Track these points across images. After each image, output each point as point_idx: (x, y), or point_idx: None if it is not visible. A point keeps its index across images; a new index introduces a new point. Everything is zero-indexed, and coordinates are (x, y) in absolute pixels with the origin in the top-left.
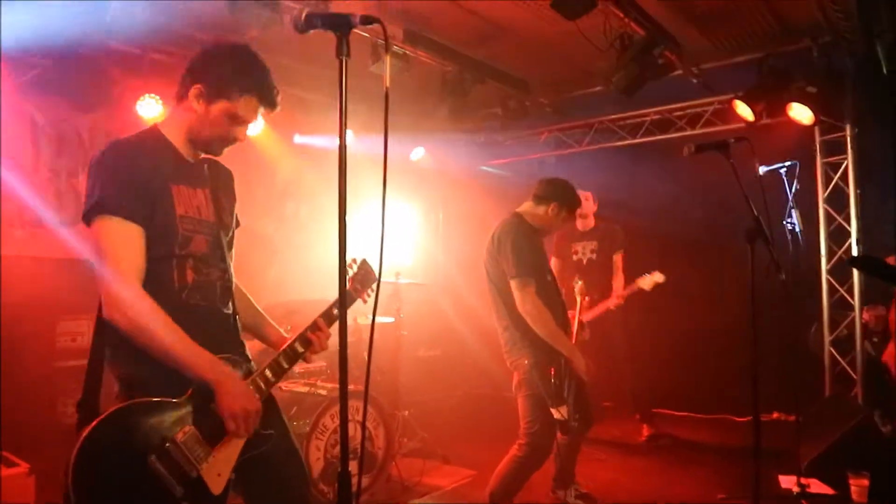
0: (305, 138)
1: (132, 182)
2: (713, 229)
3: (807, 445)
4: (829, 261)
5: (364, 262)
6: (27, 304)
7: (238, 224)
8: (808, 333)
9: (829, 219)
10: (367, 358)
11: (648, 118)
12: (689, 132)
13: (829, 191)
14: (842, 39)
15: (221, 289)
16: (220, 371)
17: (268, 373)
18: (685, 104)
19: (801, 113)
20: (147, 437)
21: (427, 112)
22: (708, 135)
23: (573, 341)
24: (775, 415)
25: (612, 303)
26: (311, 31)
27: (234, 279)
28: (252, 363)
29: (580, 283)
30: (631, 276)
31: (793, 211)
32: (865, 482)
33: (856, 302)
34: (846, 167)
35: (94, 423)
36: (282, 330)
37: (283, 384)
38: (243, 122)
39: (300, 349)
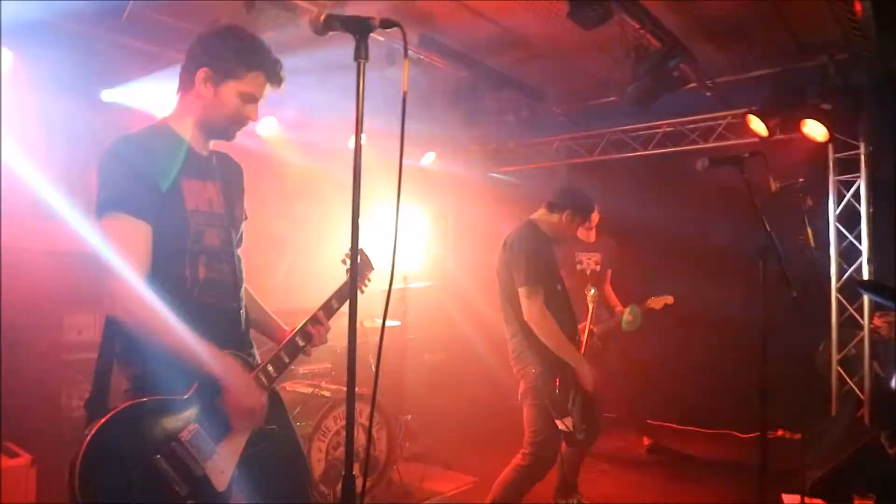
0: (316, 140)
1: (140, 178)
2: (723, 244)
3: (813, 464)
4: (838, 279)
5: (361, 250)
6: (35, 297)
7: (245, 217)
8: (816, 352)
9: (840, 237)
10: (371, 361)
11: (661, 130)
12: (701, 145)
13: (841, 209)
14: (858, 56)
15: (232, 285)
16: (225, 365)
17: (269, 367)
18: (698, 117)
19: (815, 130)
20: (153, 436)
21: (439, 117)
22: (720, 149)
23: (583, 351)
24: (780, 432)
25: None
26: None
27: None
28: (258, 359)
29: (593, 290)
30: (639, 290)
31: (805, 228)
32: None
33: (865, 321)
34: (859, 186)
35: (101, 421)
36: (284, 325)
37: (287, 385)
38: (253, 99)
39: (301, 343)
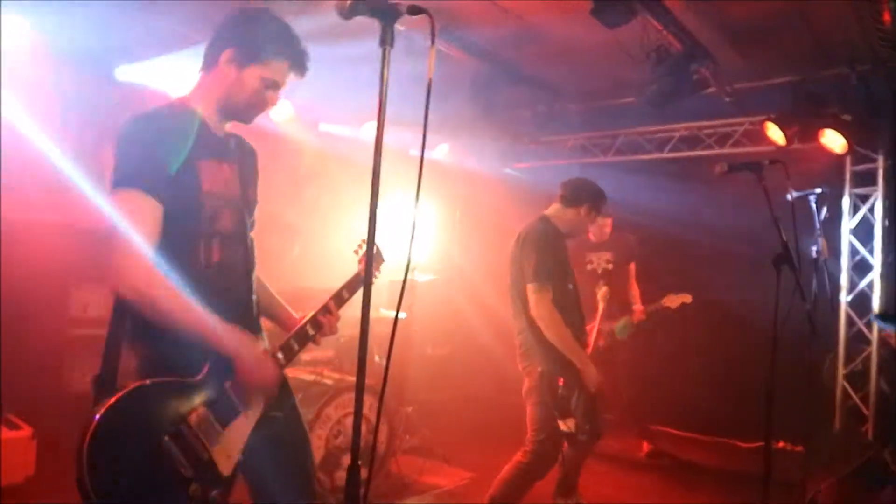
0: (330, 127)
1: (155, 156)
2: (735, 251)
3: (813, 478)
4: (849, 293)
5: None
6: (43, 271)
7: (257, 201)
8: (823, 365)
9: (854, 250)
10: (375, 351)
11: (677, 133)
12: (717, 150)
13: (856, 222)
14: (882, 68)
15: (244, 269)
16: (237, 337)
17: (279, 354)
18: (715, 122)
19: (833, 140)
20: (162, 418)
21: (455, 110)
22: (736, 155)
23: (589, 351)
24: (781, 444)
25: (636, 318)
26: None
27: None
28: (268, 346)
29: (605, 288)
30: (647, 291)
31: (819, 239)
32: None
33: (874, 337)
34: (876, 199)
35: (111, 400)
36: (292, 311)
37: (288, 371)
38: (276, 86)
39: (311, 331)
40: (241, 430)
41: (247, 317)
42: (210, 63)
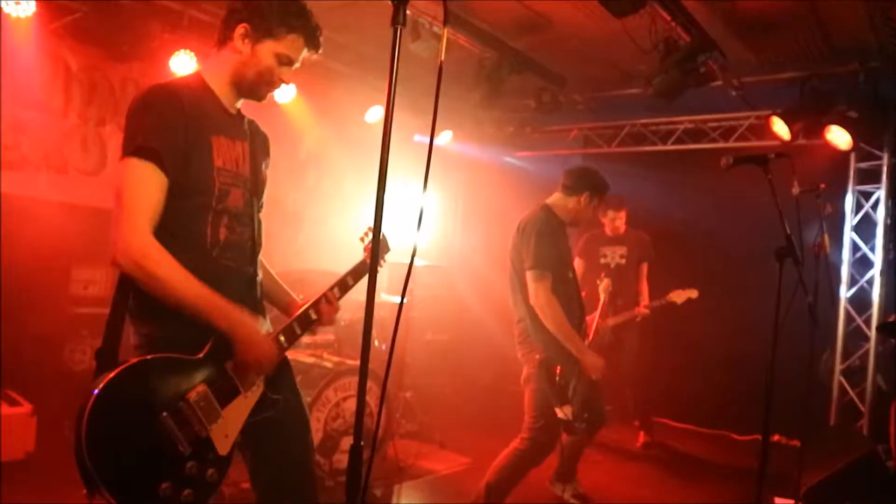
0: (331, 109)
1: (167, 128)
2: (735, 245)
3: (808, 472)
4: (849, 289)
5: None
6: (44, 248)
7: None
8: (820, 360)
9: (855, 247)
10: (374, 336)
11: (682, 126)
12: (721, 144)
13: (858, 219)
14: (893, 64)
15: (251, 250)
16: (237, 315)
17: (281, 337)
18: (721, 116)
19: (839, 137)
20: (161, 394)
21: (459, 97)
22: (741, 149)
23: (588, 341)
24: (776, 437)
25: (639, 313)
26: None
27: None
28: (270, 328)
29: (606, 280)
30: (653, 286)
31: (822, 235)
32: None
33: (872, 334)
34: (879, 197)
35: (111, 374)
36: (295, 296)
37: (289, 354)
38: (289, 62)
39: (313, 316)
40: (240, 410)
41: (251, 297)
42: (224, 38)
